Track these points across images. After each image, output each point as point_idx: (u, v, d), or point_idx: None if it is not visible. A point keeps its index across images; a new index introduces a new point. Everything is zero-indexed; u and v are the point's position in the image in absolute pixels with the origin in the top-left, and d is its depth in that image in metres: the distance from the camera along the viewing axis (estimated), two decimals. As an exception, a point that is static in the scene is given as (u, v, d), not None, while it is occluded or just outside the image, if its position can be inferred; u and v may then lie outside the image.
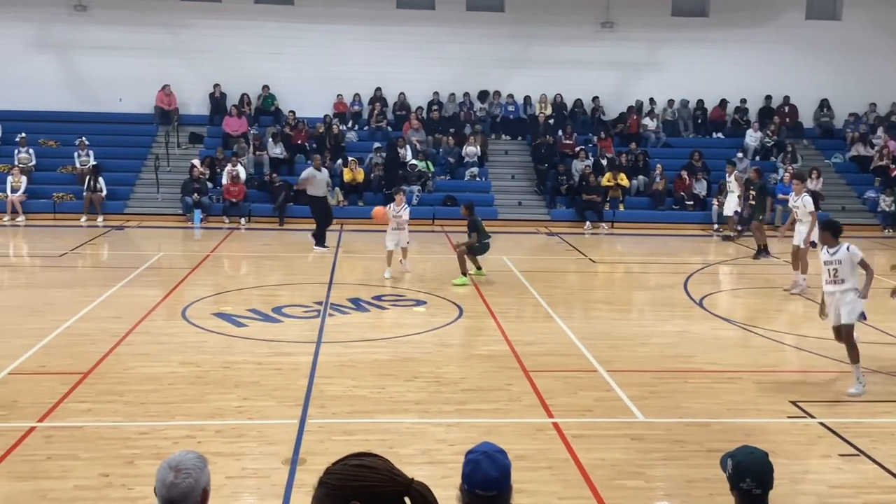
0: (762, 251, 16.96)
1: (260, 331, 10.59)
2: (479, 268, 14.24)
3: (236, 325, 10.81)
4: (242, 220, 20.62)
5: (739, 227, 19.60)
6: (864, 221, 22.06)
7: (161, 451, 6.51)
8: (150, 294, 12.56)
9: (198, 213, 20.50)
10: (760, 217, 17.39)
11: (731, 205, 19.65)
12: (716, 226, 21.26)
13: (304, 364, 9.14)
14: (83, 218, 20.42)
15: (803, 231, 13.57)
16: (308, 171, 17.08)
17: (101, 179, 20.86)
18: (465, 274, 13.81)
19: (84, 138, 22.18)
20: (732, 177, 19.73)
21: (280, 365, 9.15)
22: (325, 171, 17.67)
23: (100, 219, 20.41)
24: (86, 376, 8.57)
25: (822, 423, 7.74)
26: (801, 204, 13.74)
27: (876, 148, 23.94)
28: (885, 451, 7.11)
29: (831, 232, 8.72)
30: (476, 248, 14.05)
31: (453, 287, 13.48)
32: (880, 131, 24.72)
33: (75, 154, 22.05)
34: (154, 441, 6.99)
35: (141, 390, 8.22)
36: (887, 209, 21.83)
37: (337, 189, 18.12)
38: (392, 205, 14.56)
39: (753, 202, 17.49)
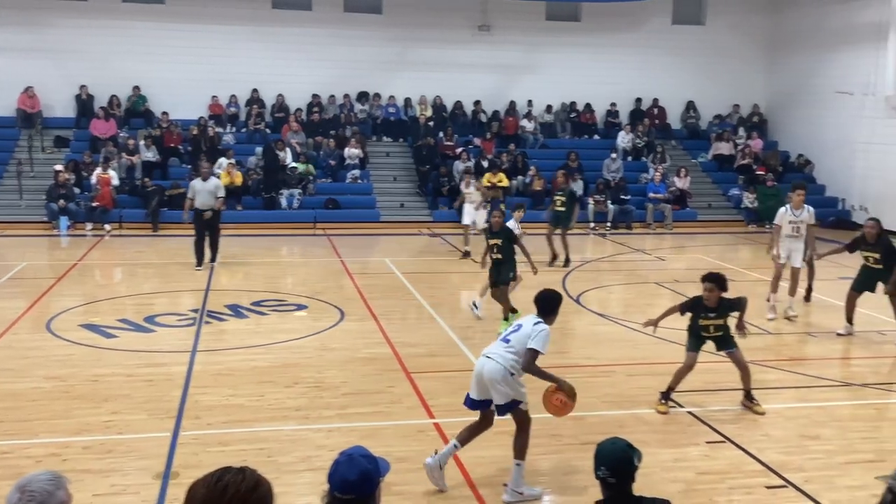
0: (567, 261, 16.10)
1: (131, 341, 10.19)
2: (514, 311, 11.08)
3: (105, 337, 10.37)
4: (107, 227, 19.81)
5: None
6: (729, 218, 23.20)
7: (23, 472, 6.04)
8: (13, 306, 11.90)
9: (64, 220, 19.58)
10: (570, 225, 16.30)
11: (471, 215, 17.68)
12: (592, 224, 21.87)
13: (177, 374, 8.86)
14: (-62, 227, 19.18)
15: (800, 248, 12.05)
16: (191, 184, 15.43)
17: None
18: (513, 311, 11.08)
19: (-63, 143, 20.84)
20: (472, 186, 18.23)
21: (152, 376, 8.83)
22: (214, 179, 15.53)
23: (-44, 228, 19.23)
24: (-61, 396, 8.05)
25: (690, 412, 8.07)
26: (808, 214, 12.01)
27: (739, 147, 25.19)
28: (749, 436, 7.47)
29: None
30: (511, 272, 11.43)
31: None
32: (741, 131, 26.04)
33: (-73, 159, 20.71)
34: (16, 461, 6.62)
35: (1, 408, 7.76)
36: (750, 206, 23.00)
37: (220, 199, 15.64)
38: (513, 221, 12.50)
39: (562, 208, 16.15)
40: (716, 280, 8.00)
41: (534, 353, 6.21)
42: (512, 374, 6.28)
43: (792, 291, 12.19)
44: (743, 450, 7.16)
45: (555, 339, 10.57)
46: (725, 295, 8.09)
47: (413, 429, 7.56)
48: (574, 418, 7.80)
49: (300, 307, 12.43)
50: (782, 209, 12.38)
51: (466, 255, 16.98)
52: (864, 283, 11.16)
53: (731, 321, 8.24)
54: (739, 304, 8.22)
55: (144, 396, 8.18)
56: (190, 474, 6.30)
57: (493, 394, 6.28)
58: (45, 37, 23.06)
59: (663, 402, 8.15)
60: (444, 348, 10.33)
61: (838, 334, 11.22)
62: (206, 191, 15.00)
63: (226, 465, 2.63)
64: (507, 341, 6.39)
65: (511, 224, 12.61)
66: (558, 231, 16.34)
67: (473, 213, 17.74)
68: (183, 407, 7.88)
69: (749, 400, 8.20)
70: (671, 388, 8.19)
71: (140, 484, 6.26)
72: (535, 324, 6.41)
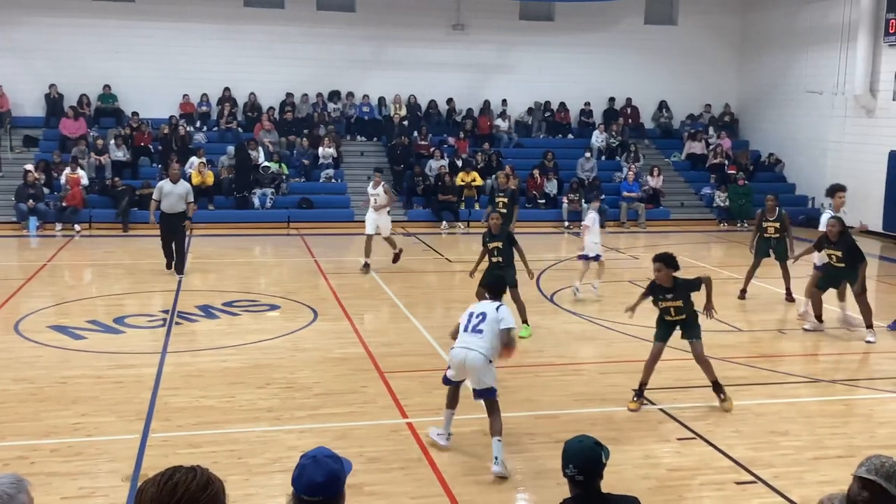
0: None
1: (100, 343, 10.07)
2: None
3: (74, 338, 10.24)
4: (77, 227, 19.60)
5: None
6: (701, 216, 23.37)
7: None
8: (-21, 308, 11.73)
9: (33, 221, 19.33)
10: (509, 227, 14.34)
11: (374, 221, 15.31)
12: (566, 223, 21.94)
13: (147, 376, 8.76)
14: None
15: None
16: (158, 185, 14.72)
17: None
18: (526, 322, 10.82)
19: None
20: (381, 188, 15.66)
21: (121, 378, 8.73)
22: (184, 183, 14.94)
23: (-78, 228, 18.93)
24: None
25: (662, 410, 8.11)
26: (845, 216, 11.78)
27: (711, 147, 25.38)
28: (719, 433, 7.52)
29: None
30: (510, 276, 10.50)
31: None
32: (711, 130, 26.24)
33: None
34: (-19, 465, 6.51)
35: (-34, 411, 7.65)
36: (722, 204, 23.19)
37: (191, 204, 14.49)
38: (591, 212, 13.44)
39: (504, 210, 14.72)
40: (663, 259, 8.00)
41: (511, 330, 6.89)
42: (490, 361, 6.76)
43: (842, 297, 11.86)
44: (713, 446, 7.21)
45: (530, 338, 10.72)
46: (678, 274, 8.10)
47: (386, 429, 7.53)
48: (548, 417, 7.84)
49: (273, 307, 12.35)
50: (825, 215, 11.78)
51: (367, 267, 15.11)
52: (828, 281, 11.28)
53: (698, 307, 8.26)
54: (698, 284, 8.17)
55: (114, 398, 8.08)
56: (159, 477, 6.25)
57: (473, 381, 6.80)
58: (14, 35, 22.74)
59: (636, 399, 8.16)
60: (418, 348, 10.30)
61: (805, 330, 11.35)
62: (175, 194, 14.35)
63: (176, 465, 2.59)
64: (480, 332, 6.79)
65: (591, 216, 13.21)
66: None
67: (376, 219, 15.37)
68: (153, 409, 7.80)
69: (717, 393, 8.18)
70: (643, 384, 8.20)
71: (109, 486, 6.19)
72: (498, 307, 6.95)
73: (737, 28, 27.00)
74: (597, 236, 13.24)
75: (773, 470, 6.74)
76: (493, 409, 6.75)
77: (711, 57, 26.83)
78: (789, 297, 13.16)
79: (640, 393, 8.21)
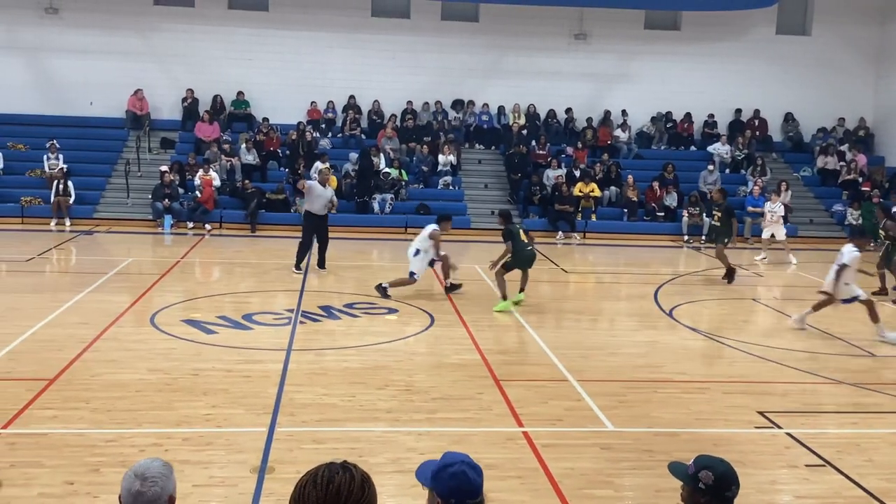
0: (731, 273, 15.69)
1: (229, 338, 10.50)
2: (521, 290, 13.15)
3: (206, 332, 10.71)
4: (207, 227, 20.50)
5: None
6: (832, 234, 22.37)
7: (127, 459, 6.43)
8: (119, 300, 12.41)
9: (168, 219, 20.36)
10: (726, 240, 16.16)
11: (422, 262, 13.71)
12: (686, 237, 21.45)
13: (273, 372, 9.08)
14: (53, 222, 20.18)
15: None
16: (313, 184, 15.20)
17: (70, 183, 20.64)
18: (504, 298, 12.71)
19: (55, 141, 21.96)
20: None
21: (249, 372, 9.07)
22: (330, 189, 15.47)
23: (67, 223, 20.19)
24: (52, 383, 8.45)
25: (789, 434, 7.82)
26: None
27: (843, 162, 24.29)
28: (850, 461, 7.19)
29: None
30: (511, 262, 12.97)
31: (495, 313, 12.52)
32: (847, 146, 25.10)
33: (45, 157, 21.82)
34: (120, 449, 6.89)
35: (107, 397, 8.11)
36: (854, 222, 22.14)
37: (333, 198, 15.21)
38: (773, 199, 17.31)
39: (718, 223, 16.36)
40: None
41: None
42: None
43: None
44: (844, 475, 6.90)
45: (647, 353, 10.57)
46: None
47: (502, 436, 7.55)
48: (667, 435, 7.70)
49: (391, 311, 12.58)
50: None
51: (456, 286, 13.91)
52: None
53: None
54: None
55: (242, 392, 8.41)
56: (285, 470, 6.48)
57: None
58: (154, 41, 24.05)
59: None
60: (533, 357, 10.30)
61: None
62: (325, 196, 15.06)
63: (328, 463, 2.65)
64: None
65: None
66: (712, 245, 16.68)
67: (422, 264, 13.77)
68: (278, 404, 8.07)
69: None
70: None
71: (237, 477, 6.43)
72: None
73: (874, 39, 25.78)
74: None
75: (909, 504, 6.40)
76: None
77: (846, 69, 25.72)
78: None
79: None
